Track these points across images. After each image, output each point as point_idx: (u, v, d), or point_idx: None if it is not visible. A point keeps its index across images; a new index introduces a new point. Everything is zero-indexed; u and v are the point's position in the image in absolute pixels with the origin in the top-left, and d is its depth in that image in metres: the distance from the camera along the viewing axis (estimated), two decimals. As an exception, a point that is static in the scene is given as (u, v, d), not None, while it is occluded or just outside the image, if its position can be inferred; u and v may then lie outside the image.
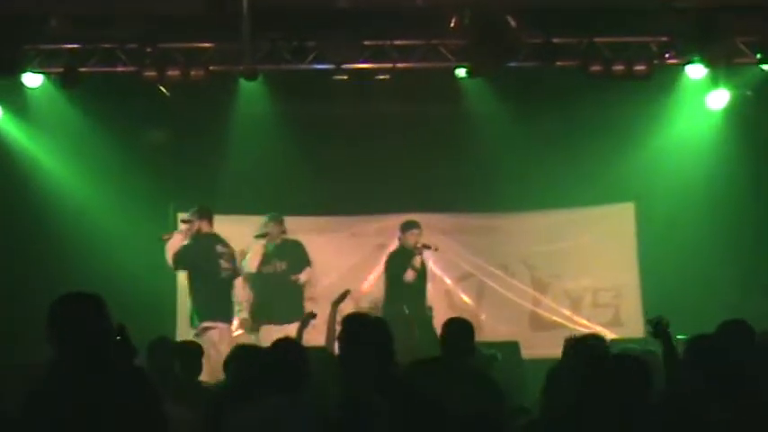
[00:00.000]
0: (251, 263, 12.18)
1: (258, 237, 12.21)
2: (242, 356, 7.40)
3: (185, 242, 11.42)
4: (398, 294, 12.29)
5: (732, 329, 6.64)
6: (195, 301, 11.57)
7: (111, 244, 11.96)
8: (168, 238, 11.46)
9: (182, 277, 12.77)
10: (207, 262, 11.47)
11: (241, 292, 12.18)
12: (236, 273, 11.76)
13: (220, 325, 11.42)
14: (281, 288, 12.15)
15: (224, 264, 11.55)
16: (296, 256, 12.35)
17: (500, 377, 7.75)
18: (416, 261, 12.32)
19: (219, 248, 11.56)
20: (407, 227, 12.48)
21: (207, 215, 11.55)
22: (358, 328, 5.77)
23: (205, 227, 11.53)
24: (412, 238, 12.41)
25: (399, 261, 12.44)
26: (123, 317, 5.35)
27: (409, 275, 12.24)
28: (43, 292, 10.01)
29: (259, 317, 12.21)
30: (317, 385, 6.90)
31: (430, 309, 12.45)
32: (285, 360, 6.11)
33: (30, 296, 11.29)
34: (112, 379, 4.98)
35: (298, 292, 12.25)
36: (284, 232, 12.37)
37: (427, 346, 10.04)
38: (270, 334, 10.90)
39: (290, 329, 10.28)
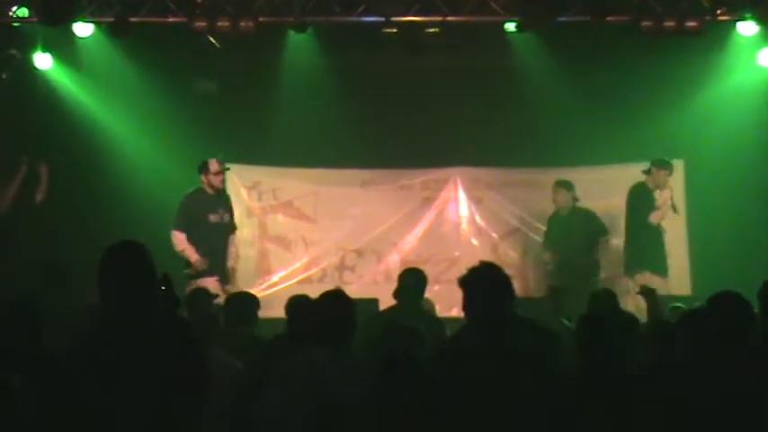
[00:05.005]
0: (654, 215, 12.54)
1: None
2: (293, 308, 7.44)
3: None
4: (639, 232, 12.64)
5: None
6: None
7: (158, 193, 11.99)
8: None
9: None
10: None
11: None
12: None
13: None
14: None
15: None
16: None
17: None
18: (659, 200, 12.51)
19: None
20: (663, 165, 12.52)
21: None
22: None
23: None
24: (661, 177, 12.47)
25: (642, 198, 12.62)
26: (169, 266, 5.42)
27: (654, 216, 12.49)
28: (92, 238, 10.22)
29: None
30: (363, 338, 6.95)
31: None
32: (332, 313, 6.13)
33: (81, 242, 11.43)
34: (154, 327, 5.04)
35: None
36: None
37: None
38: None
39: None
